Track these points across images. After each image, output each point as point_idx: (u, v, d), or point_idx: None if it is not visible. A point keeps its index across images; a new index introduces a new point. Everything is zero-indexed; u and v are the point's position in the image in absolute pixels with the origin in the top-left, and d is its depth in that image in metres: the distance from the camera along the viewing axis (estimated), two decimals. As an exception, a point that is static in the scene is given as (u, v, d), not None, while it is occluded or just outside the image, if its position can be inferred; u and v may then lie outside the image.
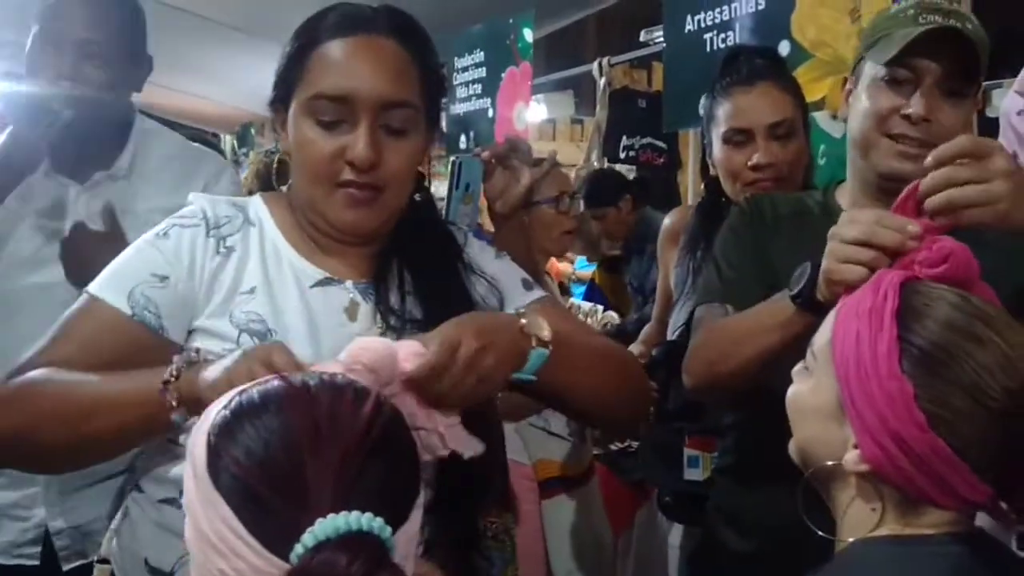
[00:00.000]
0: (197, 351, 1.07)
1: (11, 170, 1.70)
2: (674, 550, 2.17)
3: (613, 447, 2.79)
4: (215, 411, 0.80)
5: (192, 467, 0.79)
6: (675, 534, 2.22)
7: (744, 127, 1.84)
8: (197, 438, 0.80)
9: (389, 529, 0.72)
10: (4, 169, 1.69)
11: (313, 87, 1.17)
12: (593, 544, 2.48)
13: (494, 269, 1.32)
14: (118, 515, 1.29)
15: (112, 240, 1.61)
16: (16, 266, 1.77)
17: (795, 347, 1.22)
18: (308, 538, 0.70)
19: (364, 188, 1.18)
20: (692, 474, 1.78)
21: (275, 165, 1.31)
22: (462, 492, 1.20)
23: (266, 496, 0.73)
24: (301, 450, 0.74)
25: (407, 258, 1.26)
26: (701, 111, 1.99)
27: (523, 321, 1.10)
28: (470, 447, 1.00)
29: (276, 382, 0.81)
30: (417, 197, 1.28)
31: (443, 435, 1.00)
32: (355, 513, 0.71)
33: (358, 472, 0.74)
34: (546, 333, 1.09)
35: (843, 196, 1.49)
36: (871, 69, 1.39)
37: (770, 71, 1.90)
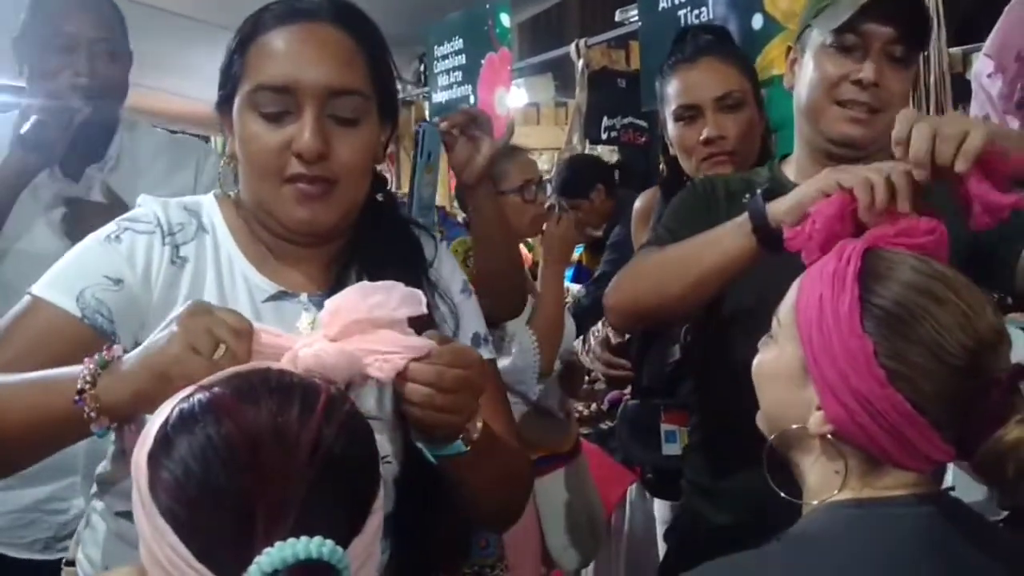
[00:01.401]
0: (109, 347, 0.96)
1: (33, 161, 1.75)
2: (661, 526, 2.18)
3: (603, 426, 2.80)
4: (155, 428, 0.76)
5: (137, 489, 0.75)
6: (659, 509, 2.24)
7: (692, 103, 1.86)
8: (139, 458, 0.76)
9: (340, 552, 0.69)
10: (27, 161, 1.74)
11: (254, 79, 1.12)
12: (586, 518, 2.49)
13: (458, 300, 1.27)
14: (81, 522, 1.27)
15: (115, 210, 1.61)
16: (28, 262, 1.76)
17: (726, 277, 1.27)
18: (255, 569, 0.67)
19: (314, 182, 1.11)
20: (670, 449, 1.78)
21: (221, 170, 1.24)
22: (425, 501, 1.18)
23: (210, 521, 0.70)
24: (244, 470, 0.71)
25: (367, 267, 1.18)
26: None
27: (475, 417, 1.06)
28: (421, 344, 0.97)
29: (216, 390, 0.76)
30: (379, 197, 1.23)
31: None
32: (303, 540, 0.68)
33: (308, 489, 0.71)
34: (475, 435, 1.05)
35: (790, 169, 1.50)
36: (818, 36, 1.40)
37: (713, 46, 1.92)
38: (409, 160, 1.65)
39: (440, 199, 1.97)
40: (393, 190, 1.40)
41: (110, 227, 1.17)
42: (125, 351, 0.95)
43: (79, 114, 1.75)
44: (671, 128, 1.92)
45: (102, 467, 1.23)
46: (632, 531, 2.72)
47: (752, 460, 1.04)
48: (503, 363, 2.31)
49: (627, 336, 2.06)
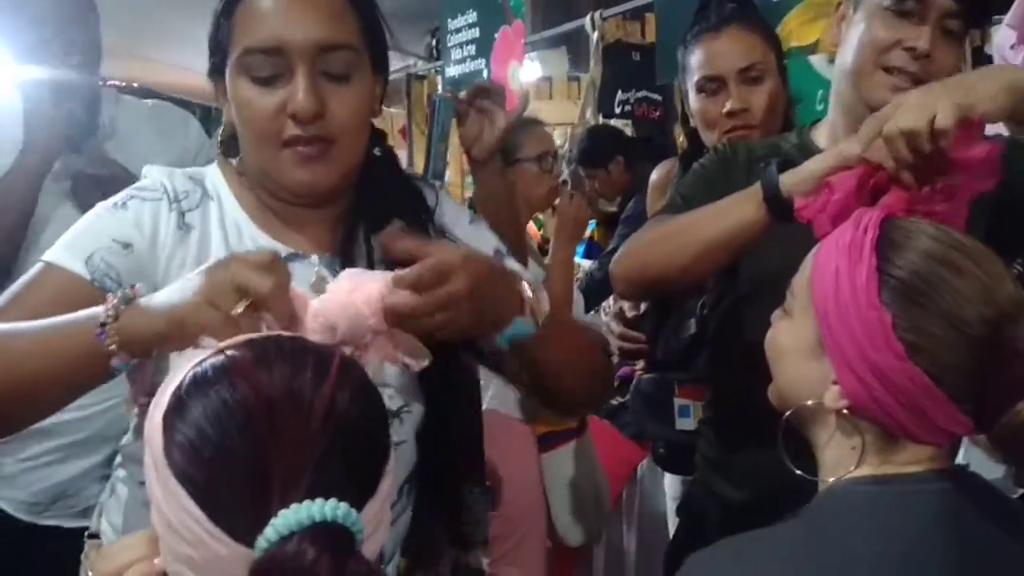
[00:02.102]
0: (133, 288, 0.96)
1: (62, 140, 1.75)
2: (672, 502, 2.18)
3: (613, 401, 2.79)
4: (169, 391, 0.76)
5: (150, 453, 0.75)
6: (669, 484, 2.23)
7: (715, 74, 1.81)
8: (153, 422, 0.76)
9: (355, 514, 0.70)
10: (55, 139, 1.74)
11: (242, 43, 1.10)
12: (592, 495, 2.49)
13: (467, 234, 1.26)
14: (105, 491, 1.27)
15: (120, 178, 1.59)
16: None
17: (737, 246, 1.25)
18: (271, 531, 0.68)
19: (312, 142, 1.10)
20: (684, 424, 1.77)
21: (222, 139, 1.23)
22: (444, 462, 1.18)
23: (227, 485, 0.70)
24: (259, 433, 0.71)
25: (372, 224, 1.18)
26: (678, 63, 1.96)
27: (525, 287, 1.05)
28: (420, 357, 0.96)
29: (230, 353, 0.76)
30: (377, 152, 1.22)
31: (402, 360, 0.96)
32: (319, 502, 0.69)
33: (322, 453, 0.71)
34: (544, 308, 1.04)
35: (820, 135, 1.46)
36: None
37: (738, 15, 1.86)
38: (423, 137, 1.65)
39: (451, 175, 1.97)
40: (406, 167, 1.38)
41: (117, 196, 1.17)
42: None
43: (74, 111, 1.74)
44: (693, 100, 1.87)
45: (126, 439, 1.24)
46: (642, 506, 2.72)
47: (766, 436, 1.03)
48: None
49: (642, 310, 2.04)
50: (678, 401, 1.75)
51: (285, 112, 1.09)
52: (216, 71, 1.16)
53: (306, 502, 0.69)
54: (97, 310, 0.95)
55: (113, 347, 0.93)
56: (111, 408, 1.71)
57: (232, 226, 1.18)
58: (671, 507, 2.22)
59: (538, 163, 2.31)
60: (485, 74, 3.95)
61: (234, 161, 1.23)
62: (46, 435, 1.73)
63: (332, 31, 1.10)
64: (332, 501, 0.69)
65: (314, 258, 1.18)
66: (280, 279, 0.89)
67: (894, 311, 0.90)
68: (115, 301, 0.94)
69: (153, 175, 1.19)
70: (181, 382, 0.76)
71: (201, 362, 0.77)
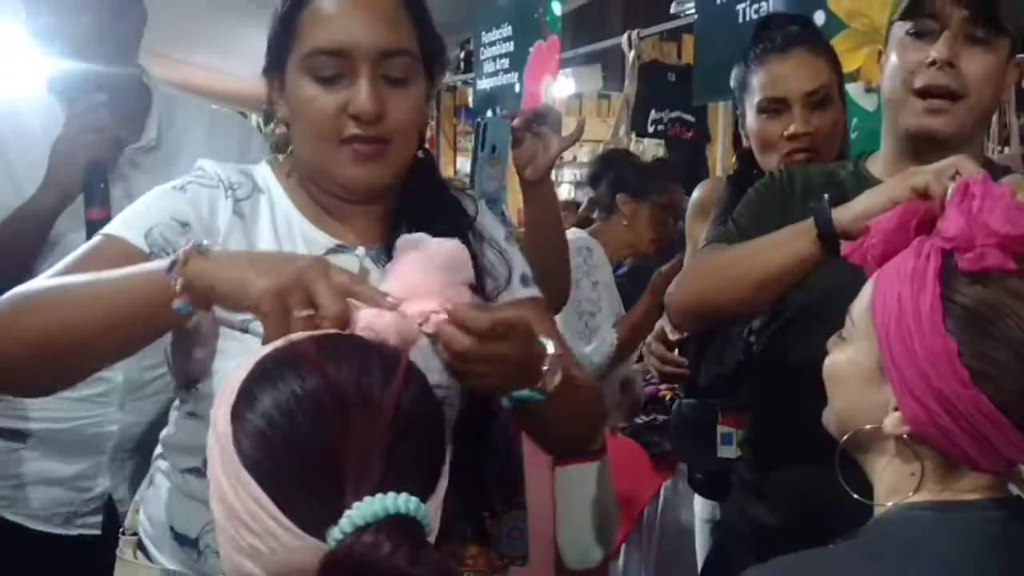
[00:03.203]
0: (208, 247, 0.99)
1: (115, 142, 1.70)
2: (702, 523, 2.17)
3: (638, 420, 2.79)
4: (237, 381, 0.77)
5: (217, 441, 0.76)
6: (701, 507, 2.22)
7: (780, 96, 1.79)
8: (220, 410, 0.77)
9: (424, 508, 0.71)
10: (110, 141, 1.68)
11: (308, 44, 1.15)
12: (599, 522, 2.49)
13: (505, 246, 1.30)
14: (143, 485, 1.29)
15: None
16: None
17: (791, 278, 1.25)
18: (346, 523, 0.69)
19: (371, 142, 1.15)
20: (725, 451, 1.76)
21: (274, 136, 1.27)
22: (472, 461, 1.18)
23: (297, 475, 0.71)
24: (330, 425, 0.72)
25: (416, 220, 1.20)
26: (733, 81, 1.95)
27: (545, 362, 1.05)
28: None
29: (300, 345, 0.77)
30: (420, 154, 1.26)
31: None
32: (392, 495, 0.70)
33: (391, 448, 0.72)
34: (554, 385, 1.05)
35: (875, 165, 1.47)
36: (899, 29, 1.37)
37: (804, 37, 1.85)
38: (448, 146, 1.68)
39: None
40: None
41: (176, 180, 1.21)
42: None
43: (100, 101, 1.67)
44: (752, 120, 1.86)
45: (166, 432, 1.25)
46: (665, 527, 2.71)
47: (808, 461, 1.03)
48: (584, 348, 2.37)
49: (684, 334, 2.04)
50: (721, 429, 1.74)
51: (346, 112, 1.14)
52: (273, 69, 1.20)
53: (379, 495, 0.70)
54: (159, 263, 0.98)
55: (178, 287, 0.95)
56: (88, 426, 1.72)
57: (282, 218, 1.21)
58: (701, 528, 2.21)
59: (663, 211, 2.41)
60: (517, 88, 3.97)
61: (281, 157, 1.26)
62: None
63: (393, 37, 1.16)
64: (404, 495, 0.70)
65: (361, 250, 1.22)
66: (345, 305, 0.89)
67: (959, 338, 0.90)
68: (188, 247, 0.96)
69: (207, 166, 1.23)
70: (251, 373, 0.76)
71: (270, 354, 0.78)
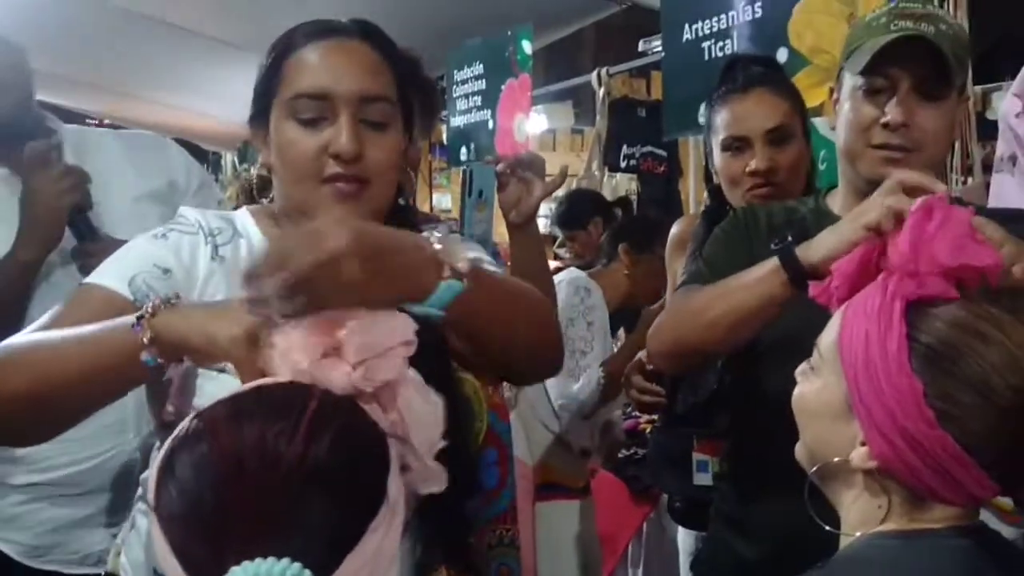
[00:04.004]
0: (177, 296, 1.02)
1: None
2: (685, 556, 2.17)
3: (620, 455, 2.80)
4: (168, 442, 0.78)
5: (148, 496, 0.78)
6: (684, 540, 2.23)
7: (741, 135, 1.86)
8: (152, 468, 0.78)
9: (308, 574, 0.69)
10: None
11: (292, 89, 1.20)
12: (581, 563, 2.49)
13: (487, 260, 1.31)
14: (124, 527, 1.30)
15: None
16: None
17: (764, 316, 1.29)
18: None
19: (350, 181, 1.18)
20: (701, 479, 1.78)
21: (255, 180, 1.31)
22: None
23: (192, 537, 0.72)
24: (225, 489, 0.72)
25: None
26: (701, 120, 2.01)
27: (436, 247, 0.99)
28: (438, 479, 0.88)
29: (211, 408, 0.77)
30: (401, 201, 1.30)
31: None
32: (270, 562, 0.68)
33: (292, 506, 0.71)
34: (462, 263, 0.98)
35: (835, 201, 1.51)
36: (850, 80, 1.42)
37: (765, 77, 1.92)
38: (424, 183, 1.72)
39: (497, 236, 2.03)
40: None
41: (157, 229, 1.24)
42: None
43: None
44: (718, 157, 1.92)
45: (146, 474, 1.25)
46: (648, 561, 2.71)
47: (784, 492, 1.04)
48: (571, 387, 2.38)
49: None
50: (696, 456, 1.77)
51: (327, 152, 1.17)
52: (258, 117, 1.25)
53: (258, 560, 0.68)
54: (133, 315, 1.00)
55: (145, 340, 0.97)
56: (110, 459, 1.73)
57: None
58: (685, 561, 2.21)
59: (664, 263, 2.45)
60: (491, 125, 4.00)
61: (264, 202, 1.29)
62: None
63: (373, 84, 1.20)
64: (284, 561, 0.68)
65: None
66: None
67: (924, 378, 0.92)
68: (157, 301, 1.00)
69: (188, 214, 1.26)
70: (175, 435, 0.78)
71: (193, 416, 0.78)
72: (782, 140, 1.85)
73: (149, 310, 0.98)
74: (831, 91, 1.52)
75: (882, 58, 1.34)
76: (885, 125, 1.36)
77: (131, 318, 0.99)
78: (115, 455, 1.74)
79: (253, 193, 1.38)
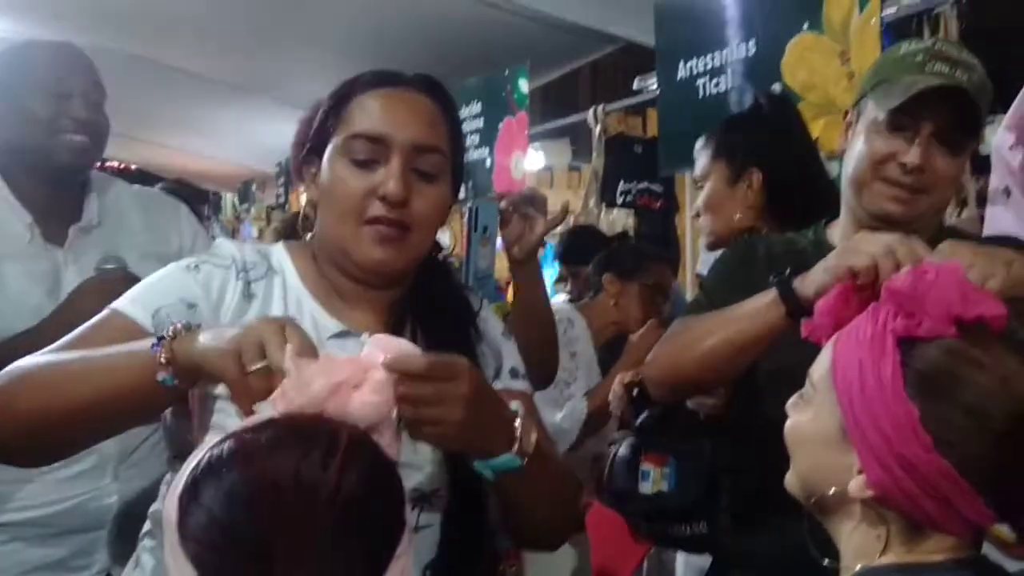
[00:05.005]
0: (199, 326, 1.07)
1: None
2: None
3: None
4: (186, 472, 0.79)
5: (167, 530, 0.77)
6: (682, 572, 2.21)
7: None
8: (171, 498, 0.78)
9: None
10: None
11: (350, 129, 1.22)
12: None
13: (500, 342, 1.36)
14: (129, 565, 1.29)
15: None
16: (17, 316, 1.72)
17: (760, 347, 1.29)
18: None
19: (393, 225, 1.20)
20: (643, 487, 1.75)
21: (301, 218, 1.33)
22: (471, 543, 1.21)
23: (231, 568, 0.72)
24: (263, 518, 0.72)
25: (422, 314, 1.27)
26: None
27: (517, 422, 1.09)
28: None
29: (243, 436, 0.78)
30: (439, 256, 1.33)
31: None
32: None
33: (327, 536, 0.72)
34: (530, 445, 1.08)
35: (835, 233, 1.52)
36: (873, 111, 1.40)
37: None
38: None
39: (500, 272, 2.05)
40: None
41: (190, 259, 1.26)
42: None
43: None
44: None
45: (156, 506, 1.26)
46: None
47: (783, 525, 1.04)
48: (555, 416, 2.39)
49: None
50: (642, 466, 1.75)
51: (375, 194, 1.20)
52: (310, 155, 1.27)
53: None
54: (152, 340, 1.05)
55: (163, 359, 1.01)
56: (87, 501, 1.72)
57: (294, 300, 1.26)
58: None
59: (651, 291, 2.51)
60: (488, 163, 4.05)
61: (306, 238, 1.32)
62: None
63: (428, 135, 1.24)
64: None
65: (365, 335, 1.22)
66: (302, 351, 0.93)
67: (920, 404, 0.92)
68: (179, 325, 1.05)
69: (225, 247, 1.29)
70: (198, 463, 0.78)
71: (219, 443, 0.79)
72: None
73: (170, 333, 1.03)
74: (845, 114, 1.51)
75: (916, 100, 1.33)
76: (902, 165, 1.36)
77: (151, 339, 1.04)
78: (92, 497, 1.73)
79: (296, 229, 1.40)
